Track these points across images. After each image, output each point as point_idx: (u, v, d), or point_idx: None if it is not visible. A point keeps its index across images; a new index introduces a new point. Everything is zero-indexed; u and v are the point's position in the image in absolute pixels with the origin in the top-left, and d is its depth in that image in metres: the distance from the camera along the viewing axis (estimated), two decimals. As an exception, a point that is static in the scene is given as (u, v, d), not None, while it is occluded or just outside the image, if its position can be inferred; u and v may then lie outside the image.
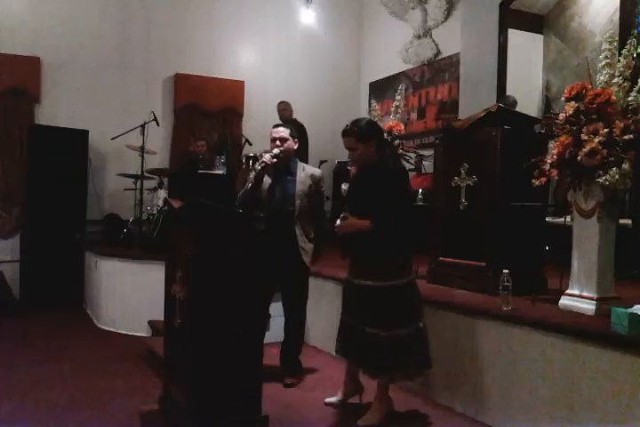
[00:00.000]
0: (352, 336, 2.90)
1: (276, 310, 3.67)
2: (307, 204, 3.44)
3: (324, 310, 3.92)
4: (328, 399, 3.15)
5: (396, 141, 4.17)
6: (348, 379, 3.15)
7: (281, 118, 6.41)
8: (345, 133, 2.88)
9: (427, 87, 7.10)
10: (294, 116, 6.47)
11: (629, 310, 2.36)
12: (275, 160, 3.37)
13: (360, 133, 2.83)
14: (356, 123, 2.88)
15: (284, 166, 3.46)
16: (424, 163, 6.29)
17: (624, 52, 2.68)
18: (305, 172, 3.50)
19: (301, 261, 3.43)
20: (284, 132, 3.49)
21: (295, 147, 3.53)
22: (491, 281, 3.20)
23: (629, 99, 2.64)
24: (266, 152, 5.56)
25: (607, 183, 2.59)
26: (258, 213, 3.41)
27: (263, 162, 3.36)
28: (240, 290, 2.57)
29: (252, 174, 3.43)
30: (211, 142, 6.96)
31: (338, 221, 2.92)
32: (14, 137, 6.36)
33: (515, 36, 6.29)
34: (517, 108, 5.16)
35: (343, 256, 3.05)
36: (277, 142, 3.45)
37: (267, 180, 3.47)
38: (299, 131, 6.00)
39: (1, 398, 3.28)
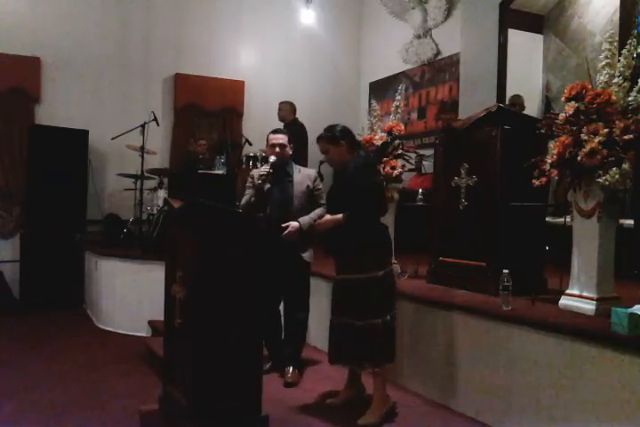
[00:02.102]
0: (338, 333, 2.97)
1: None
2: (305, 202, 3.55)
3: (324, 309, 3.91)
4: (329, 400, 3.17)
5: (396, 141, 4.16)
6: (350, 379, 3.17)
7: (280, 119, 6.37)
8: (318, 139, 3.16)
9: (427, 87, 7.10)
10: (296, 115, 6.42)
11: (629, 310, 2.36)
12: (271, 171, 3.48)
13: (330, 136, 3.06)
14: (327, 129, 3.12)
15: (281, 170, 3.57)
16: (424, 163, 6.29)
17: (624, 52, 2.68)
18: (301, 173, 3.62)
19: (301, 259, 3.52)
20: (282, 139, 3.59)
21: (291, 152, 3.65)
22: (491, 281, 3.20)
23: (629, 99, 2.64)
24: (262, 151, 5.57)
25: (607, 183, 2.59)
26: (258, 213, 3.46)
27: (262, 175, 3.47)
28: (240, 290, 2.57)
29: (250, 191, 3.55)
30: (211, 142, 6.96)
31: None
32: (14, 137, 6.36)
33: (515, 36, 6.29)
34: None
35: (327, 254, 3.13)
36: (277, 149, 3.55)
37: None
38: (299, 131, 5.97)
39: (1, 398, 3.29)
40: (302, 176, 3.59)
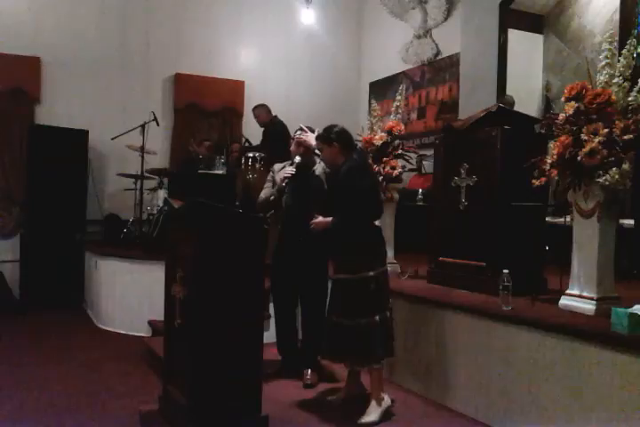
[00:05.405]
0: (329, 331, 3.04)
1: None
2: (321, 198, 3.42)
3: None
4: (329, 397, 3.20)
5: (396, 141, 4.17)
6: (350, 378, 3.18)
7: (260, 125, 6.19)
8: (316, 137, 3.21)
9: (427, 87, 7.10)
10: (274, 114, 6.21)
11: (629, 310, 2.36)
12: (294, 172, 3.41)
13: (324, 136, 3.09)
14: (325, 128, 3.15)
15: (304, 169, 3.48)
16: (424, 163, 6.29)
17: (624, 52, 2.69)
18: (321, 165, 3.48)
19: (318, 257, 3.46)
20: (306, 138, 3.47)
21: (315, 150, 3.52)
22: (491, 281, 3.20)
23: (629, 99, 2.65)
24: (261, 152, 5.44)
25: (607, 183, 2.59)
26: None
27: (285, 177, 3.40)
28: (240, 290, 2.57)
29: (269, 188, 3.51)
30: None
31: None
32: (14, 137, 6.36)
33: (515, 36, 6.29)
34: (517, 109, 5.16)
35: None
36: (300, 149, 3.47)
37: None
38: (278, 129, 5.83)
39: (1, 398, 3.28)
40: (319, 171, 3.47)
